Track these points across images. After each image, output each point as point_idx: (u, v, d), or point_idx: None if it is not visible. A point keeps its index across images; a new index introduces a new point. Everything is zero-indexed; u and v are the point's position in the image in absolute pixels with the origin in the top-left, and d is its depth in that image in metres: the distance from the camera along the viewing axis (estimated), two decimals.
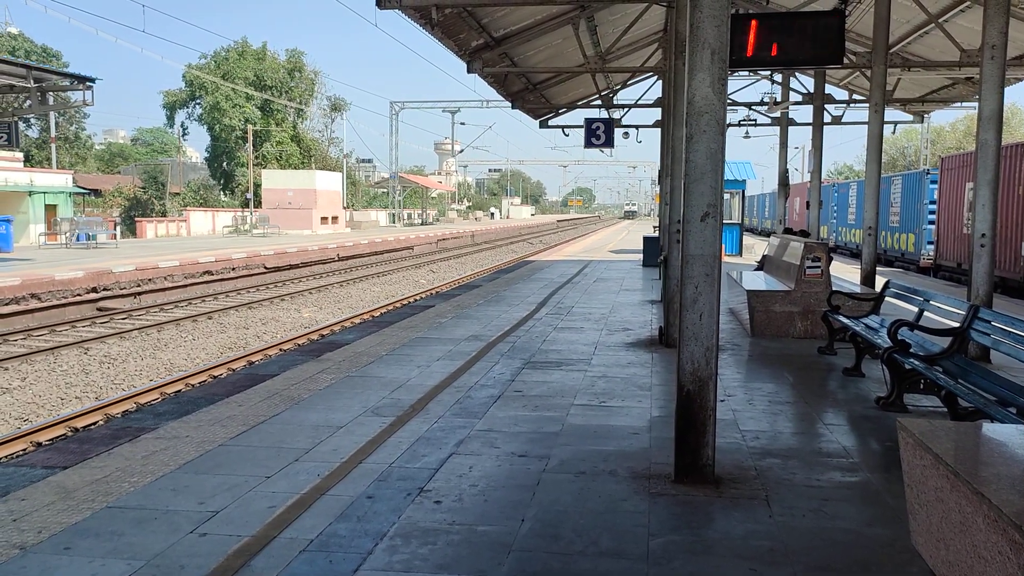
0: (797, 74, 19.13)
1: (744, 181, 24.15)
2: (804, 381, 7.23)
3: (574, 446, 5.14)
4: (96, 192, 52.08)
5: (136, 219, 42.07)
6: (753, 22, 6.28)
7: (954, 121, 64.71)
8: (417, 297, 19.64)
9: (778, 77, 20.23)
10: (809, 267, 9.55)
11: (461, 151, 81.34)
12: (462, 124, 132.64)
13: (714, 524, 3.91)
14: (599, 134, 19.02)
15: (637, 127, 22.78)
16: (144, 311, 16.99)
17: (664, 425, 5.51)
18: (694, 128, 4.40)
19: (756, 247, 25.54)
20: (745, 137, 26.57)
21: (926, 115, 22.95)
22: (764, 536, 3.76)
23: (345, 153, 65.63)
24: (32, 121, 52.31)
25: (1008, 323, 5.21)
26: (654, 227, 29.64)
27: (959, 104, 22.37)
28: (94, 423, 8.60)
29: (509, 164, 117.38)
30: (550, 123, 23.47)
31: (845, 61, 12.45)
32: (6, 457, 7.45)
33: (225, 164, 56.68)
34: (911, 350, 6.06)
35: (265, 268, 25.75)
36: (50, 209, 35.13)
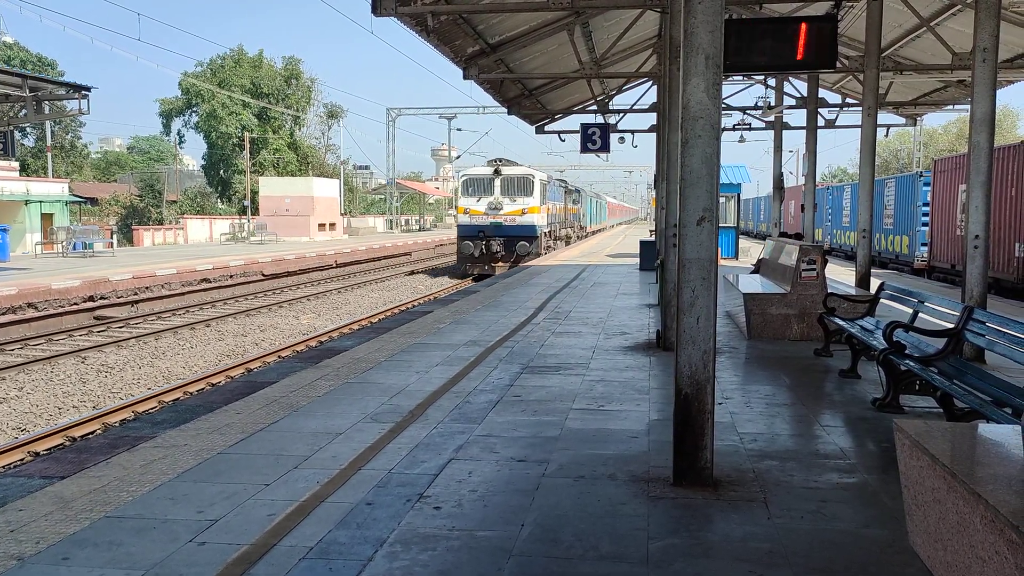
0: (791, 78, 19.22)
1: (739, 185, 24.21)
2: (801, 383, 7.25)
3: (573, 450, 5.14)
4: (92, 201, 52.17)
5: (133, 227, 42.15)
6: (747, 27, 6.33)
7: (946, 124, 65.11)
8: (415, 303, 19.64)
9: (772, 82, 20.33)
10: (805, 270, 9.58)
11: (458, 157, 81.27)
12: (459, 130, 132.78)
13: (713, 527, 3.92)
14: (595, 139, 19.07)
15: (633, 132, 22.85)
16: (141, 319, 16.97)
17: (662, 428, 5.52)
18: (689, 133, 4.42)
19: (752, 250, 25.59)
20: (740, 141, 26.71)
21: (919, 118, 23.10)
22: (763, 538, 3.77)
23: (342, 160, 65.65)
24: (28, 130, 52.33)
25: (1002, 324, 5.23)
26: (651, 231, 29.70)
27: (951, 107, 22.48)
28: (92, 432, 8.58)
29: None
30: (546, 128, 23.54)
31: (838, 65, 12.49)
32: (3, 467, 7.44)
33: (222, 171, 56.64)
34: (906, 351, 6.08)
35: (263, 275, 25.73)
36: (46, 218, 35.10)
